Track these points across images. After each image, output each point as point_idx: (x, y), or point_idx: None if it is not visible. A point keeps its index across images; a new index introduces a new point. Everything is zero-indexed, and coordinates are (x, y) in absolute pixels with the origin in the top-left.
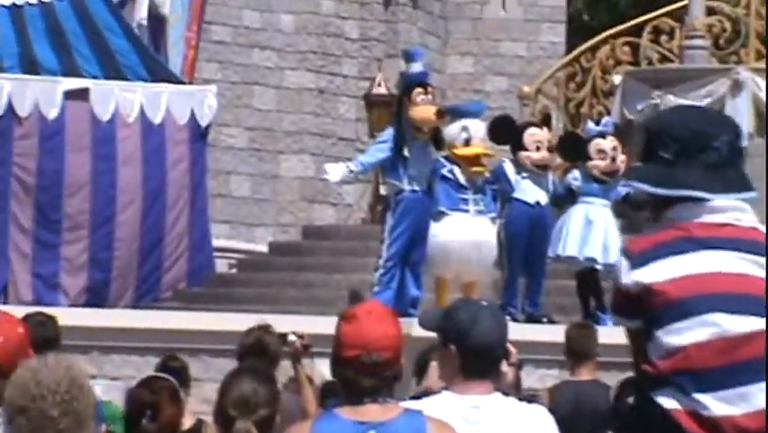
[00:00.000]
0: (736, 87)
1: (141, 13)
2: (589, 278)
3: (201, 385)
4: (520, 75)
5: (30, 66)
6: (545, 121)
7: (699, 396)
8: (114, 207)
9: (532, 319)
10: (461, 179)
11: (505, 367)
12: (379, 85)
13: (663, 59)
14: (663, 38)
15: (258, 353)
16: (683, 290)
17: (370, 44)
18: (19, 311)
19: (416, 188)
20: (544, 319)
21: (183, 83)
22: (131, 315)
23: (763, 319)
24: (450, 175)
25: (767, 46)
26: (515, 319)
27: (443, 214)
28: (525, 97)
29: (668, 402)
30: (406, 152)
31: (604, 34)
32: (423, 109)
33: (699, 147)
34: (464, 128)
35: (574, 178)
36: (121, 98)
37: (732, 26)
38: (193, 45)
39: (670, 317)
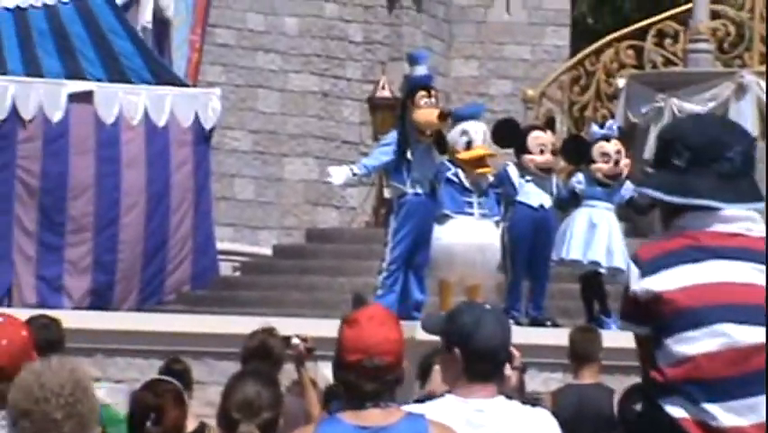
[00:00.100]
0: (741, 90)
1: (145, 17)
2: (592, 281)
3: (205, 388)
4: (524, 78)
5: (34, 69)
6: (549, 124)
7: (708, 406)
8: (118, 209)
9: (535, 323)
10: (466, 182)
11: (508, 371)
12: (383, 88)
13: (668, 62)
14: (668, 41)
15: (262, 356)
16: (693, 299)
17: (374, 47)
18: (23, 314)
19: (420, 191)
20: (548, 323)
21: (187, 86)
22: (135, 318)
23: None
24: (454, 178)
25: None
26: (518, 323)
27: (447, 217)
28: (530, 101)
29: (676, 411)
30: (409, 155)
31: (608, 38)
32: (425, 112)
33: (712, 156)
34: (464, 132)
35: (578, 181)
36: (125, 101)
37: (736, 30)
38: (197, 48)
39: (679, 325)
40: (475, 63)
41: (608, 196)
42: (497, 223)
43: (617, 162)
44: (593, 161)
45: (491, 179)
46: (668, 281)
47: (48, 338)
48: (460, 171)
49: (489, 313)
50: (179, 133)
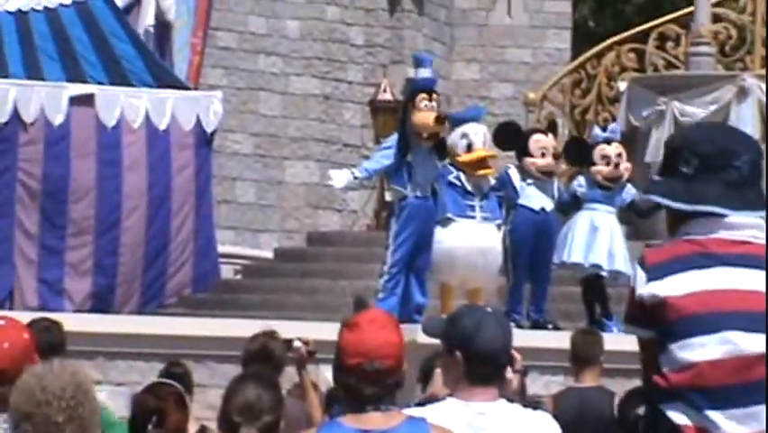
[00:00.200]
0: (742, 93)
1: (147, 20)
2: (594, 284)
3: (205, 391)
4: (525, 81)
5: (35, 72)
6: (551, 128)
7: (710, 413)
8: (120, 212)
9: (537, 326)
10: (468, 185)
11: (509, 374)
12: (385, 91)
13: (669, 65)
14: (669, 44)
15: (263, 359)
16: (699, 305)
17: (376, 50)
18: (24, 317)
19: (421, 194)
20: (549, 326)
21: (188, 89)
22: (136, 321)
23: None
24: (456, 182)
25: (767, 52)
26: (519, 326)
27: (449, 220)
28: (531, 104)
29: (678, 417)
30: (410, 158)
31: (609, 41)
32: (423, 115)
33: (720, 164)
34: (464, 134)
35: (579, 184)
36: (126, 104)
37: (738, 33)
38: (198, 51)
39: (685, 331)
40: (476, 66)
41: (609, 199)
42: (498, 226)
43: (616, 165)
44: (594, 164)
45: (493, 181)
46: (674, 287)
47: (49, 341)
48: (461, 175)
49: (490, 316)
50: (181, 136)
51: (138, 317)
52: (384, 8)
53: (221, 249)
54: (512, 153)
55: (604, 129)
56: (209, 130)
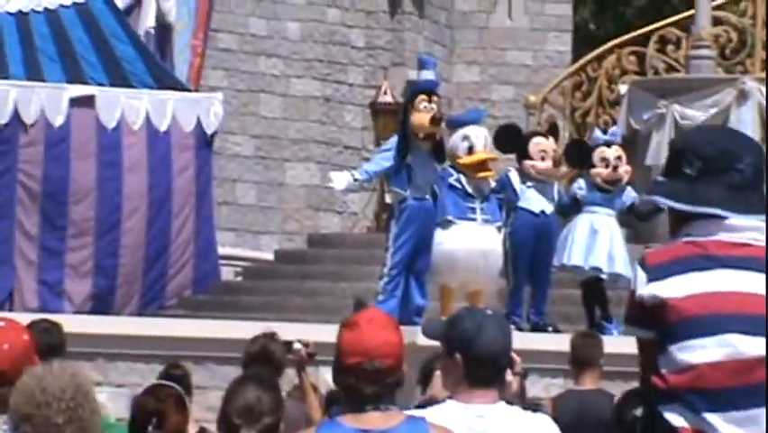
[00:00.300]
0: (742, 97)
1: (148, 22)
2: (594, 287)
3: (205, 393)
4: (526, 84)
5: (35, 73)
6: (552, 131)
7: (708, 416)
8: (120, 214)
9: (537, 328)
10: (468, 187)
11: (509, 376)
12: (385, 93)
13: (670, 68)
14: (670, 48)
15: (263, 361)
16: (700, 307)
17: (376, 53)
18: (24, 318)
19: (421, 196)
20: (549, 328)
21: (189, 90)
22: (136, 322)
23: None
24: (457, 184)
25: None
26: (519, 328)
27: (450, 222)
28: (531, 107)
29: (676, 420)
30: (409, 160)
31: (610, 44)
32: (420, 115)
33: (723, 167)
34: (465, 137)
35: (579, 187)
36: (127, 106)
37: (738, 36)
38: (199, 53)
39: (685, 333)
40: (477, 69)
41: (609, 202)
42: (499, 228)
43: (615, 168)
44: (594, 166)
45: (493, 184)
46: (675, 288)
47: (49, 343)
48: (462, 177)
49: (490, 318)
50: (181, 137)
51: (138, 319)
52: (385, 10)
53: (221, 251)
54: (512, 156)
55: (605, 132)
56: (210, 132)
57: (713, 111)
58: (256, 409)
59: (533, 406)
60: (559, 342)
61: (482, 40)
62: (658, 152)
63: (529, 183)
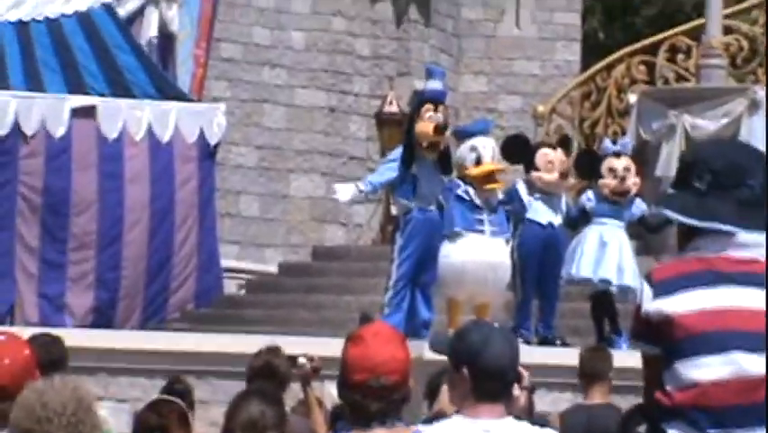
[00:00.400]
0: (753, 106)
1: (150, 31)
2: (603, 300)
3: (208, 408)
4: (534, 94)
5: (36, 83)
6: (564, 143)
7: None
8: (122, 226)
9: (545, 342)
10: (476, 199)
11: (517, 391)
12: (391, 103)
13: (680, 78)
14: (680, 57)
15: (267, 375)
16: (706, 324)
17: (382, 62)
18: (25, 332)
19: (426, 207)
20: (558, 342)
21: (192, 101)
22: (138, 336)
23: None
24: (465, 195)
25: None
26: (527, 342)
27: (458, 234)
28: (540, 117)
29: None
30: (415, 171)
31: (619, 53)
32: (424, 124)
33: (733, 182)
34: (473, 148)
35: (588, 198)
36: (128, 116)
37: (749, 45)
38: (202, 63)
39: (690, 349)
40: (484, 78)
41: (619, 213)
42: (507, 240)
43: (623, 179)
44: (602, 177)
45: (501, 195)
46: (681, 304)
47: (50, 357)
48: (470, 189)
49: (497, 332)
50: (184, 148)
51: (140, 333)
52: (390, 19)
53: (224, 263)
54: (520, 167)
55: (614, 142)
56: (213, 142)
57: (724, 121)
58: (259, 424)
59: (540, 421)
60: (567, 356)
61: (489, 49)
62: (668, 162)
63: (536, 195)
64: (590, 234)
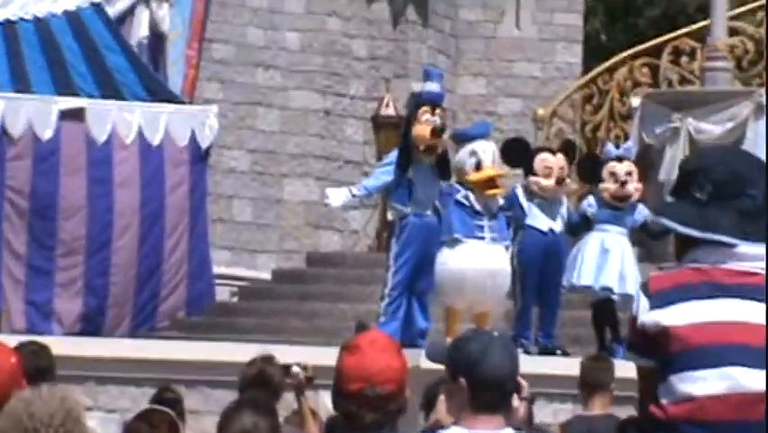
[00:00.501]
0: (759, 110)
1: (141, 31)
2: (604, 308)
3: (199, 418)
4: (534, 96)
5: (23, 84)
6: (567, 148)
7: None
8: (111, 231)
9: (545, 351)
10: (476, 205)
11: (516, 401)
12: (387, 106)
13: (684, 80)
14: (684, 59)
15: (260, 385)
16: (703, 337)
17: (378, 64)
18: (12, 340)
19: (422, 212)
20: (558, 352)
21: (183, 103)
22: (127, 344)
23: None
24: (465, 201)
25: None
26: (527, 351)
27: (457, 241)
28: (540, 120)
29: None
30: (411, 175)
31: (622, 55)
32: (421, 127)
33: (734, 192)
34: (473, 152)
35: (589, 204)
36: (118, 119)
37: (755, 47)
38: (194, 64)
39: (687, 363)
40: (483, 81)
41: (620, 219)
42: (507, 247)
43: (624, 184)
44: (603, 181)
45: (501, 201)
46: (678, 316)
47: (38, 366)
48: (470, 194)
49: (496, 341)
50: (175, 152)
51: (130, 341)
52: (387, 20)
53: (216, 270)
54: (520, 171)
55: (617, 146)
56: (204, 146)
57: (729, 125)
58: None
59: (540, 432)
60: (568, 366)
61: (489, 50)
62: (672, 167)
63: (535, 200)
64: (592, 241)
